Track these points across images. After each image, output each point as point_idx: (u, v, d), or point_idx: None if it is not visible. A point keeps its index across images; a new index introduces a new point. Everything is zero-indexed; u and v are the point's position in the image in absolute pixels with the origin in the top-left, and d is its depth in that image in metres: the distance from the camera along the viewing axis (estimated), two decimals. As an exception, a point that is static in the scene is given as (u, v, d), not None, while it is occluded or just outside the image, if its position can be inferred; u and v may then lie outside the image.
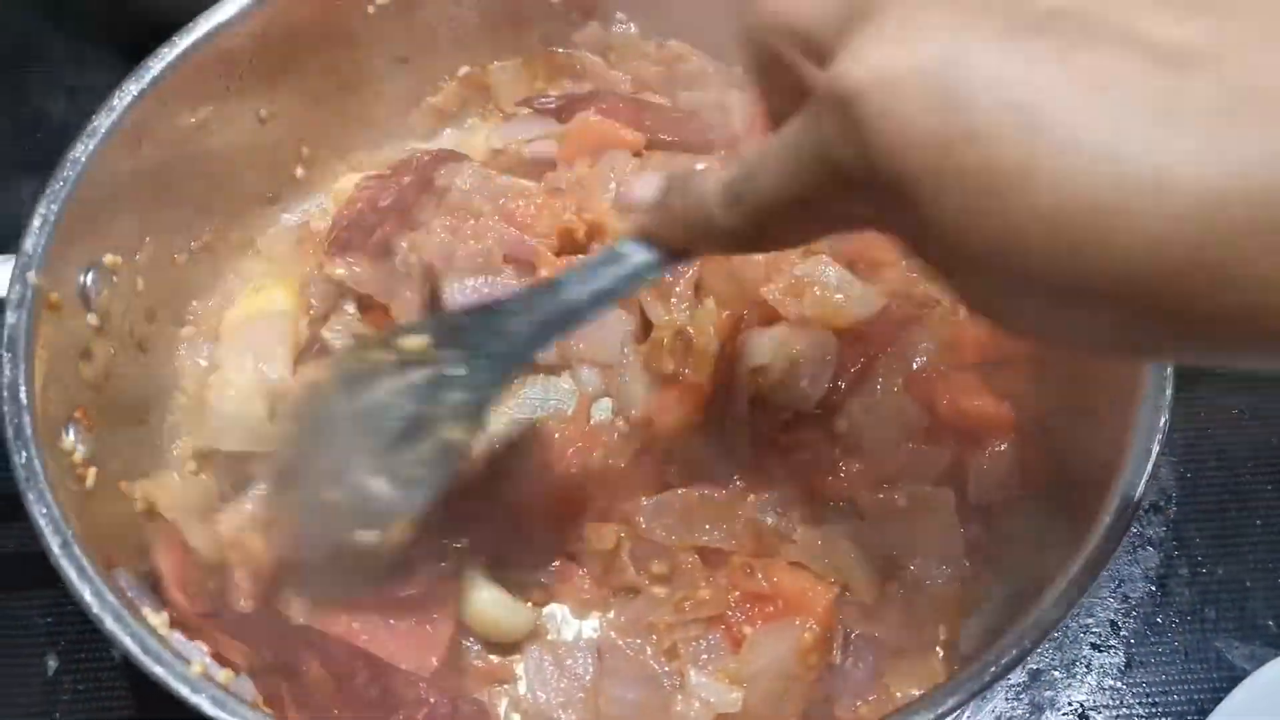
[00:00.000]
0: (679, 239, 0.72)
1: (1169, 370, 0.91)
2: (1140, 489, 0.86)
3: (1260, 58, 0.45)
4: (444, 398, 0.87)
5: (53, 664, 1.07)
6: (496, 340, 0.84)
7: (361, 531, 0.93)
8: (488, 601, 0.99)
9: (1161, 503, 1.14)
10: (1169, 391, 0.90)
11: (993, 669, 0.79)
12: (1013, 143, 0.47)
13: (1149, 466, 0.87)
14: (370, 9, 1.19)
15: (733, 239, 0.66)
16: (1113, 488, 0.86)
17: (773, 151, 0.59)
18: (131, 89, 1.05)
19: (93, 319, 1.02)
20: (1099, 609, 1.09)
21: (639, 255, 0.75)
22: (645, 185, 0.74)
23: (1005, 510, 1.05)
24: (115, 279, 1.06)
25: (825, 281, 1.06)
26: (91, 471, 0.96)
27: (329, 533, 0.95)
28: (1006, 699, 1.05)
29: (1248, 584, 1.10)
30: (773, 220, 0.63)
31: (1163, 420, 0.89)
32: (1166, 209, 0.44)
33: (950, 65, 0.48)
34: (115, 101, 1.04)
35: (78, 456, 0.95)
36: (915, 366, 1.10)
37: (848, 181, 0.54)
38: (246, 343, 1.13)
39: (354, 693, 0.91)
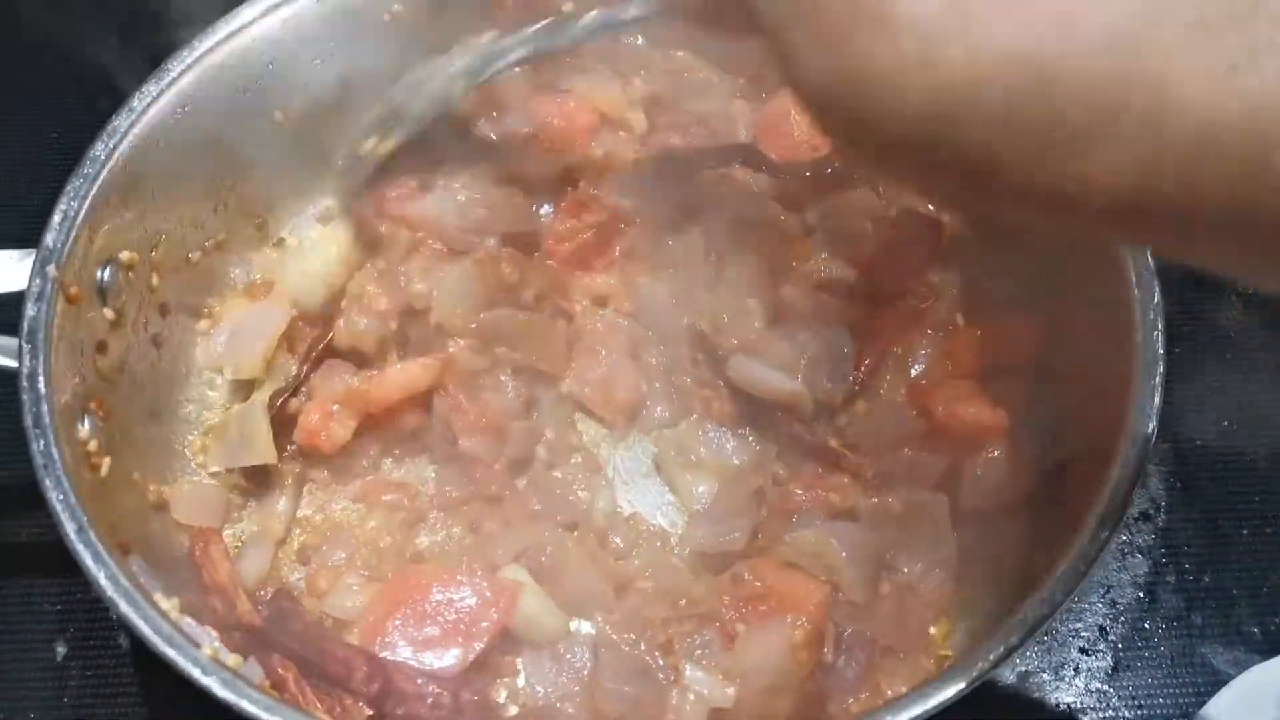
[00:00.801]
0: None
1: (1157, 381, 0.94)
2: (1127, 495, 0.89)
3: None
4: None
5: (62, 650, 1.09)
6: None
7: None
8: (538, 608, 1.02)
9: (1151, 511, 1.16)
10: (1158, 401, 0.93)
11: (980, 665, 0.82)
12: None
13: (1136, 474, 0.89)
14: (386, 16, 1.22)
15: None
16: (1101, 493, 0.89)
17: None
18: (151, 90, 1.08)
19: (109, 313, 1.05)
20: (1088, 614, 1.11)
21: None
22: None
23: (997, 514, 1.07)
24: (131, 275, 1.09)
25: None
26: (106, 461, 0.98)
27: None
28: (995, 701, 1.07)
29: (1234, 592, 1.12)
30: None
31: (1151, 427, 0.92)
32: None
33: None
34: (135, 102, 1.07)
35: (93, 446, 0.97)
36: (915, 374, 1.13)
37: None
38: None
39: (355, 688, 0.93)
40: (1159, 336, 0.96)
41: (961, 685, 0.81)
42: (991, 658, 0.82)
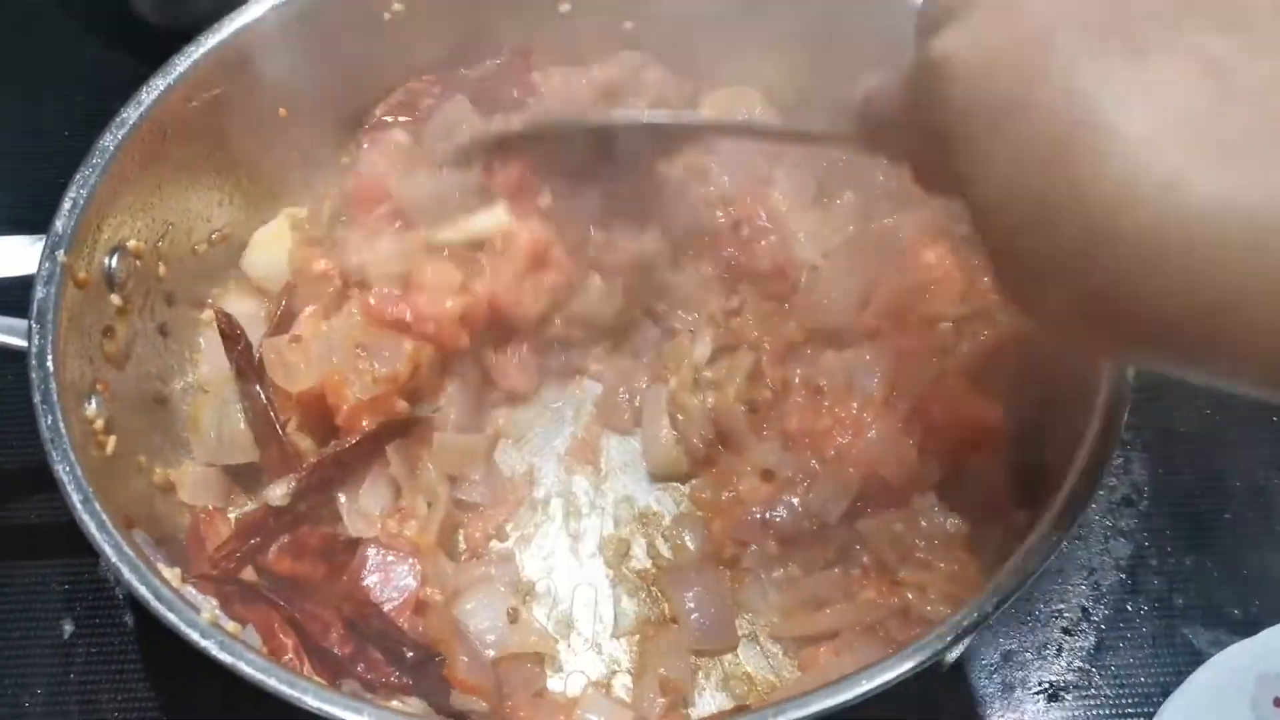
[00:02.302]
0: None
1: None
2: (1097, 467, 0.91)
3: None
4: None
5: (68, 628, 1.12)
6: None
7: None
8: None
9: (1133, 496, 1.19)
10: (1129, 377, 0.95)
11: (953, 632, 0.84)
12: (1065, 121, 0.54)
13: (1107, 449, 0.92)
14: (386, 15, 1.25)
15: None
16: (1072, 467, 0.91)
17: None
18: (159, 83, 1.11)
19: (116, 299, 1.08)
20: (1071, 595, 1.13)
21: None
22: None
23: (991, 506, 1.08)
24: (138, 263, 1.12)
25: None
26: (111, 440, 1.01)
27: None
28: (978, 678, 1.09)
29: (1215, 574, 1.14)
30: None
31: (1122, 405, 0.94)
32: (1170, 207, 0.52)
33: (1033, 44, 0.56)
34: (143, 95, 1.11)
35: (99, 425, 1.01)
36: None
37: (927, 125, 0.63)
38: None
39: (329, 646, 0.97)
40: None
41: (938, 648, 0.83)
42: (965, 624, 0.84)
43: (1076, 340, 0.73)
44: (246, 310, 1.22)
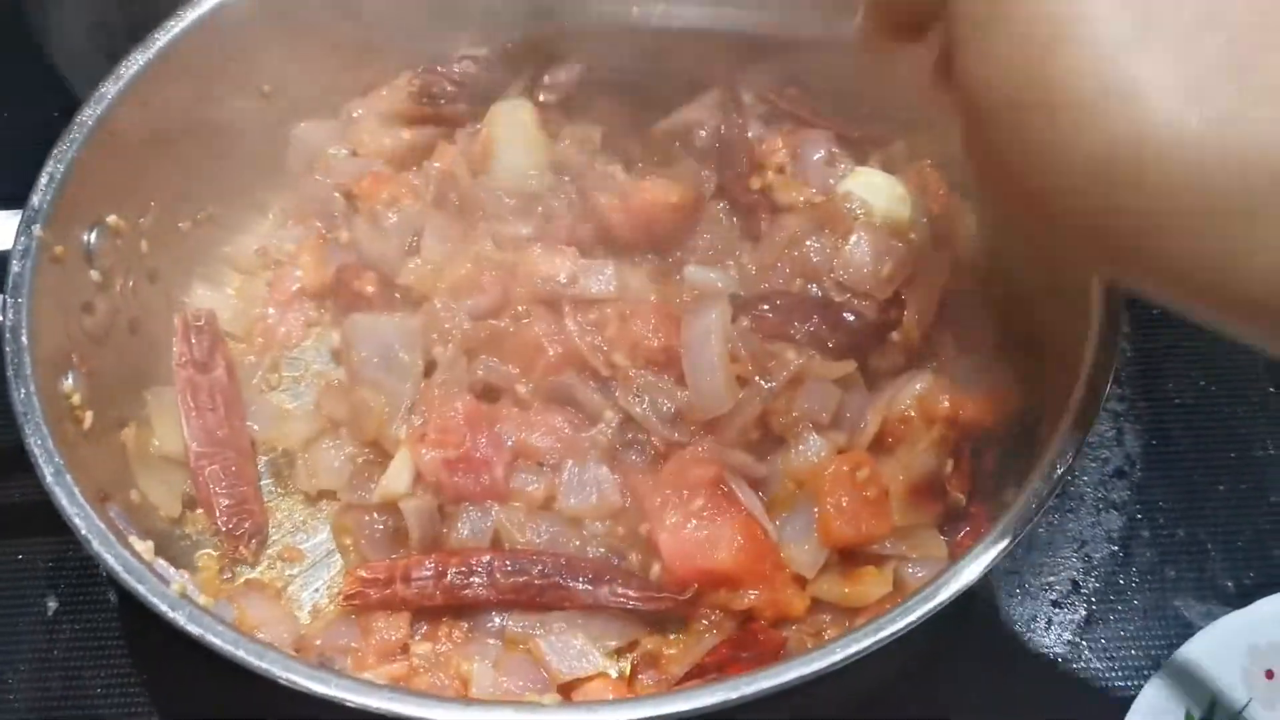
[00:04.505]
0: None
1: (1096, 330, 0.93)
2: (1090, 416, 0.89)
3: None
4: None
5: (53, 605, 1.12)
6: None
7: None
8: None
9: (1126, 468, 1.17)
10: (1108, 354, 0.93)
11: (935, 599, 0.83)
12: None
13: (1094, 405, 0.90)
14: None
15: None
16: (1058, 428, 0.90)
17: None
18: (138, 59, 1.11)
19: (95, 275, 1.07)
20: (1061, 568, 1.12)
21: None
22: None
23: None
24: (119, 240, 1.11)
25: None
26: (89, 414, 1.01)
27: None
28: (966, 649, 1.07)
29: (1208, 546, 1.13)
30: None
31: (1103, 376, 0.92)
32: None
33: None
34: (123, 70, 1.10)
35: (76, 400, 1.00)
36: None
37: None
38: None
39: None
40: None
41: (925, 609, 0.81)
42: (943, 592, 0.83)
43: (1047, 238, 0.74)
44: (227, 292, 1.25)
